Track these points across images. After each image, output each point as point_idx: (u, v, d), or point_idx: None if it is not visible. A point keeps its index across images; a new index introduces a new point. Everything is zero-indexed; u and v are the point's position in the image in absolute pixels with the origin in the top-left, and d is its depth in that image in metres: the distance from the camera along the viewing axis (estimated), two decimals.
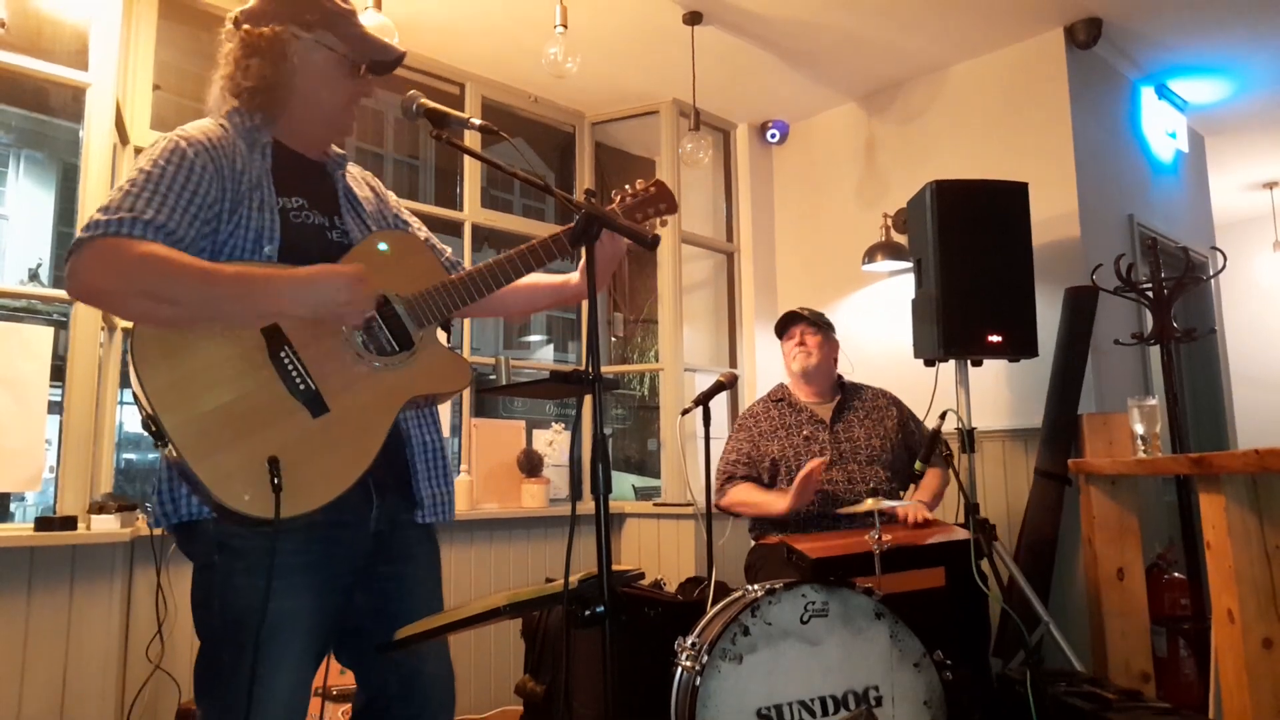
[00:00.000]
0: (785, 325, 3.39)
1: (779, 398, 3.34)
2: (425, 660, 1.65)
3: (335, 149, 1.77)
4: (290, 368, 1.46)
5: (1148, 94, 4.57)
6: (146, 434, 1.42)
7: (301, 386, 1.46)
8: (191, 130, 1.54)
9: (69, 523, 2.65)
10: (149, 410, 1.37)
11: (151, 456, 1.51)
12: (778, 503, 3.00)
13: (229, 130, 1.59)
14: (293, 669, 1.46)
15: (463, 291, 1.64)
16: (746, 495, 3.14)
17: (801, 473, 2.91)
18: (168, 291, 1.39)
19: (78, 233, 1.41)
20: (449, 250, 1.93)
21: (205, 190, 1.49)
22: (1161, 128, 4.65)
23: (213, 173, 1.50)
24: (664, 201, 1.91)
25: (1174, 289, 3.69)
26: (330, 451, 1.46)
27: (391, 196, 1.89)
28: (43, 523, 2.63)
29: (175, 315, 1.41)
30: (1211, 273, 4.77)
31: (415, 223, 1.90)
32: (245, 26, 1.60)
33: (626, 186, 1.89)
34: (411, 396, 1.57)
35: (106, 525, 2.70)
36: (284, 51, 1.60)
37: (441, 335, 1.71)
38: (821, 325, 3.32)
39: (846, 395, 3.31)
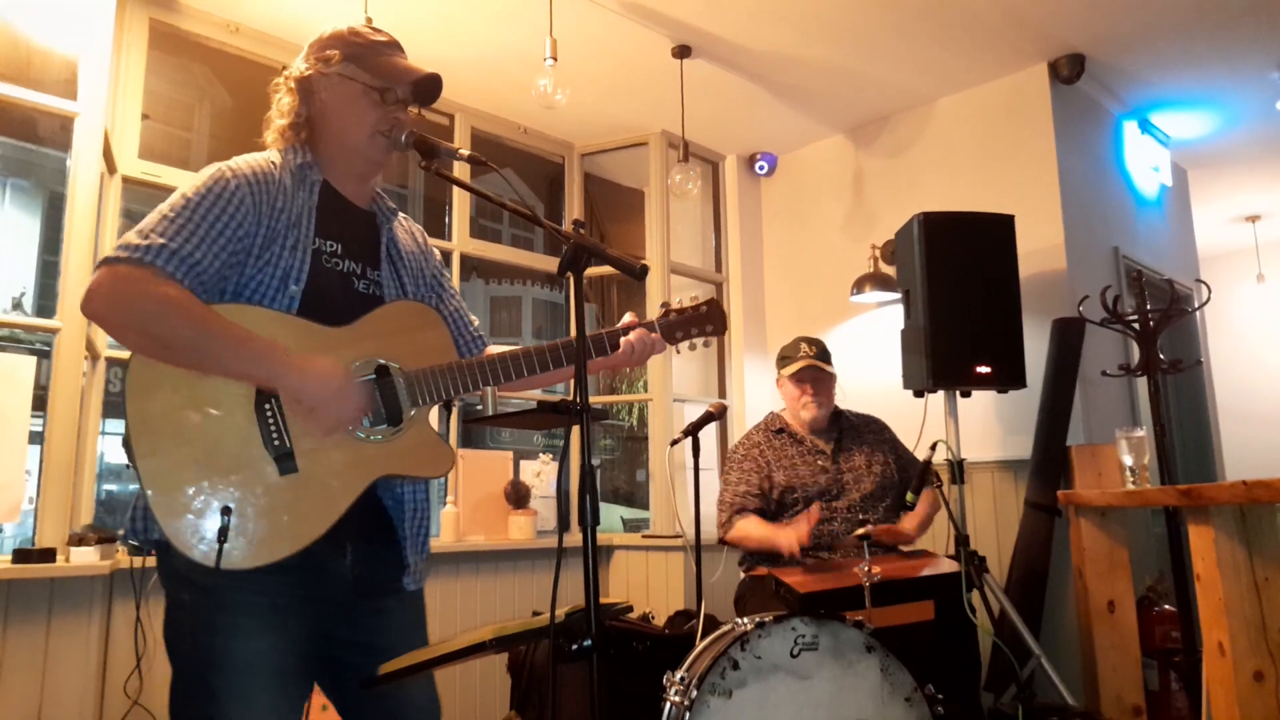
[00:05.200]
0: (795, 370, 3.23)
1: (778, 428, 3.27)
2: (410, 694, 1.63)
3: (386, 200, 1.78)
4: (271, 420, 1.46)
5: (1131, 128, 4.63)
6: (124, 452, 1.42)
7: (276, 441, 1.45)
8: (239, 162, 1.57)
9: (48, 555, 2.61)
10: (126, 434, 1.40)
11: (133, 487, 1.50)
12: (783, 540, 2.90)
13: (277, 165, 1.61)
14: (267, 710, 1.43)
15: (467, 378, 1.62)
16: (753, 529, 3.04)
17: (808, 523, 2.83)
18: (166, 337, 1.42)
19: (111, 250, 1.43)
20: (476, 321, 1.93)
21: (239, 223, 1.50)
22: (1145, 161, 4.70)
23: (250, 206, 1.52)
24: (712, 323, 1.83)
25: (1160, 321, 3.72)
26: (287, 512, 1.44)
27: (436, 254, 1.90)
28: (21, 554, 2.58)
29: (167, 357, 1.43)
30: (1196, 305, 4.81)
31: (450, 288, 1.90)
32: (285, 73, 1.68)
33: (678, 300, 1.85)
34: (385, 474, 1.54)
35: (86, 557, 2.65)
36: (311, 88, 1.65)
37: (434, 413, 1.69)
38: (830, 366, 3.24)
39: (844, 425, 3.29)
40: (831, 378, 3.25)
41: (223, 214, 1.49)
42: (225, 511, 1.38)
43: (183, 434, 1.41)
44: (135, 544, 1.48)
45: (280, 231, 1.55)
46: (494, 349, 1.87)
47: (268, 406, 1.46)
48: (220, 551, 1.37)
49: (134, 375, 1.43)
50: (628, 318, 1.80)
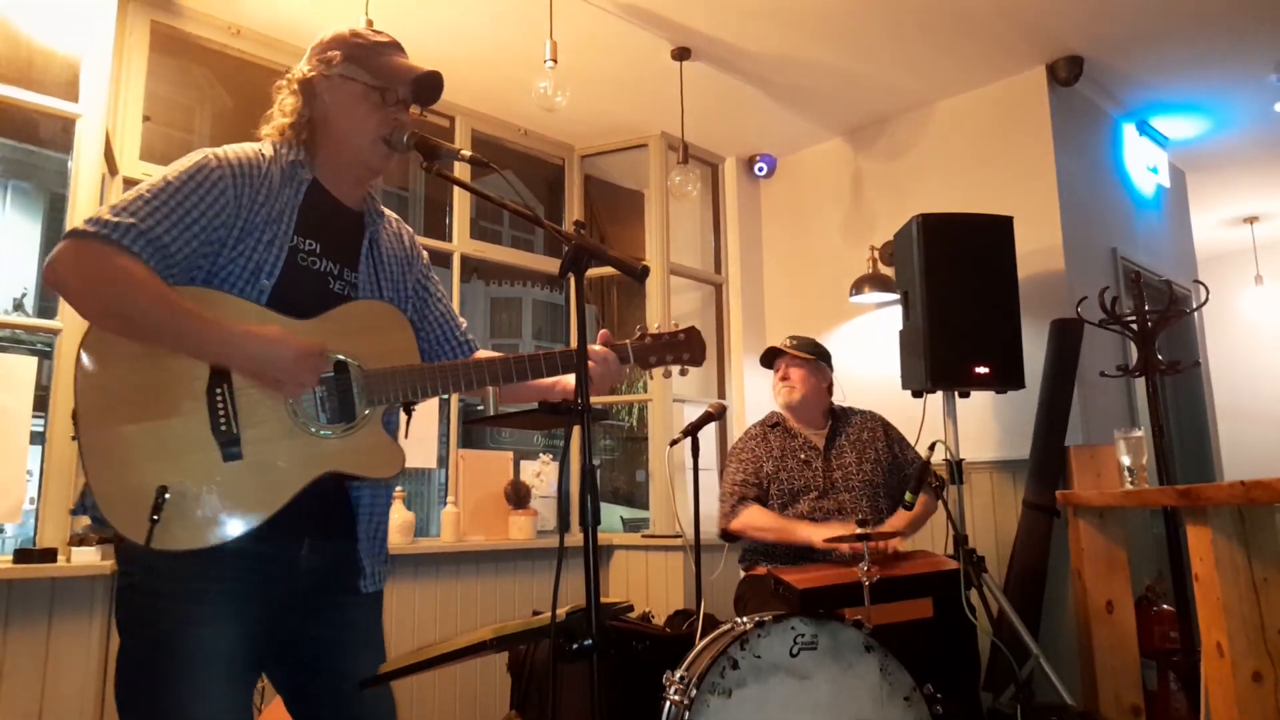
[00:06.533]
0: (769, 358, 3.38)
1: (774, 423, 3.31)
2: (366, 694, 1.60)
3: (376, 203, 1.78)
4: (220, 405, 1.45)
5: (1129, 130, 4.64)
6: (71, 421, 1.43)
7: (223, 427, 1.45)
8: (227, 150, 1.58)
9: (49, 555, 2.62)
10: (74, 406, 1.40)
11: None
12: (808, 531, 2.91)
13: (267, 157, 1.62)
14: (216, 695, 1.43)
15: (427, 382, 1.60)
16: (764, 520, 3.04)
17: (848, 540, 2.73)
18: (125, 308, 1.42)
19: (80, 222, 1.44)
20: (465, 324, 1.92)
21: (216, 212, 1.51)
22: (1143, 163, 4.71)
23: (231, 195, 1.53)
24: (690, 352, 1.77)
25: (1158, 322, 3.72)
26: (226, 498, 1.43)
27: (424, 257, 1.89)
28: (22, 555, 2.59)
29: (125, 330, 1.44)
30: (1194, 306, 4.82)
31: (438, 291, 1.89)
32: (288, 75, 1.69)
33: (657, 325, 1.80)
34: (330, 471, 1.52)
35: (87, 558, 2.66)
36: (313, 89, 1.66)
37: (402, 417, 1.68)
38: (808, 356, 3.28)
39: (838, 421, 3.29)
40: (807, 364, 3.27)
41: (200, 201, 1.49)
42: (161, 491, 1.38)
43: (129, 411, 1.41)
44: (87, 519, 1.47)
45: (258, 225, 1.55)
46: (483, 354, 1.85)
47: (219, 392, 1.46)
48: (151, 531, 1.35)
49: (88, 349, 1.43)
50: (600, 335, 1.77)
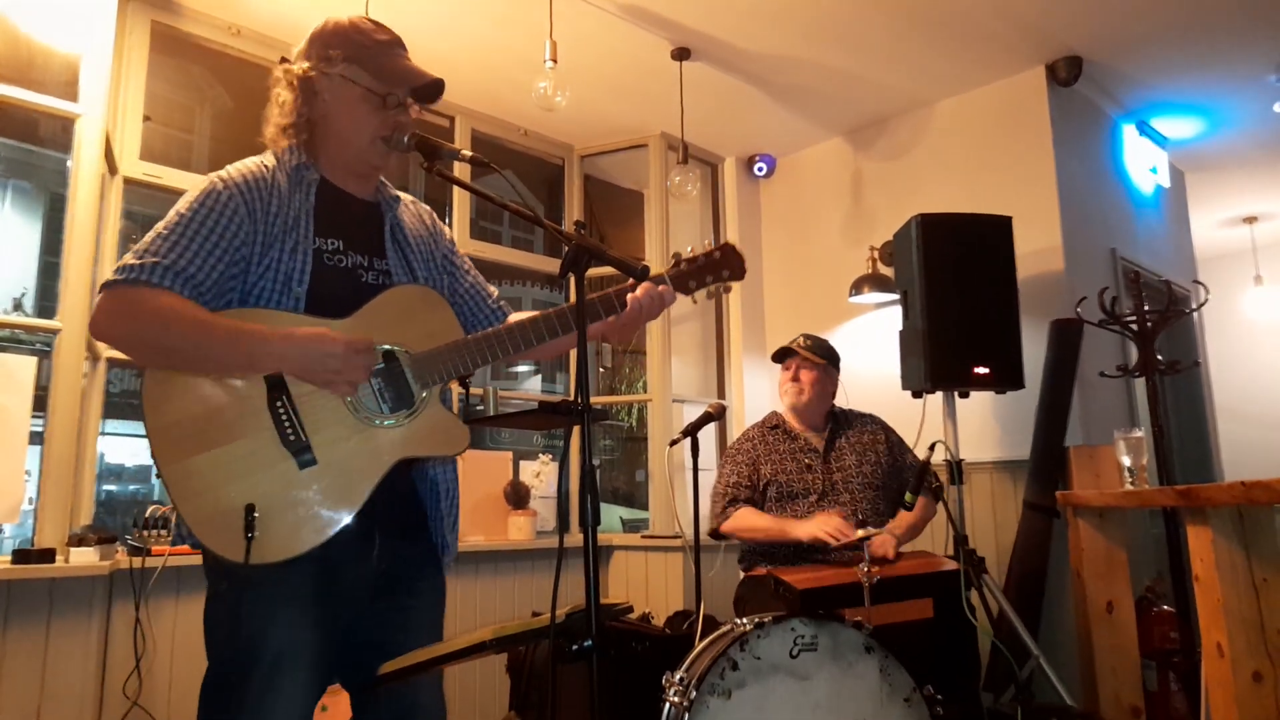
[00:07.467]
0: (782, 355, 3.34)
1: (774, 425, 3.31)
2: (419, 693, 1.65)
3: (389, 189, 1.79)
4: (284, 417, 1.48)
5: (1129, 130, 4.64)
6: (153, 464, 1.48)
7: (292, 437, 1.48)
8: (231, 171, 1.60)
9: (47, 555, 2.61)
10: (150, 447, 1.44)
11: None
12: (796, 528, 2.93)
13: (270, 168, 1.62)
14: (296, 699, 1.47)
15: (474, 354, 1.62)
16: (755, 520, 3.06)
17: (837, 525, 2.83)
18: (168, 346, 1.47)
19: (110, 273, 1.48)
20: (495, 291, 1.92)
21: (234, 233, 1.54)
22: (1143, 163, 4.71)
23: (245, 214, 1.55)
24: (729, 268, 1.75)
25: (1158, 322, 3.72)
26: (310, 504, 1.47)
27: (446, 233, 1.90)
28: (20, 555, 2.58)
29: (176, 363, 1.48)
30: (1194, 306, 4.81)
31: (465, 264, 1.90)
32: (284, 66, 1.67)
33: (689, 249, 1.78)
34: (403, 457, 1.56)
35: (85, 558, 2.65)
36: (313, 88, 1.65)
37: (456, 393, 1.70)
38: (820, 360, 3.25)
39: (838, 424, 3.29)
40: (818, 368, 3.25)
41: (216, 225, 1.52)
42: (249, 509, 1.41)
43: (200, 442, 1.45)
44: (190, 547, 1.51)
45: (277, 235, 1.56)
46: (517, 316, 1.83)
47: (279, 404, 1.48)
48: (248, 549, 1.40)
49: (149, 388, 1.47)
50: None
